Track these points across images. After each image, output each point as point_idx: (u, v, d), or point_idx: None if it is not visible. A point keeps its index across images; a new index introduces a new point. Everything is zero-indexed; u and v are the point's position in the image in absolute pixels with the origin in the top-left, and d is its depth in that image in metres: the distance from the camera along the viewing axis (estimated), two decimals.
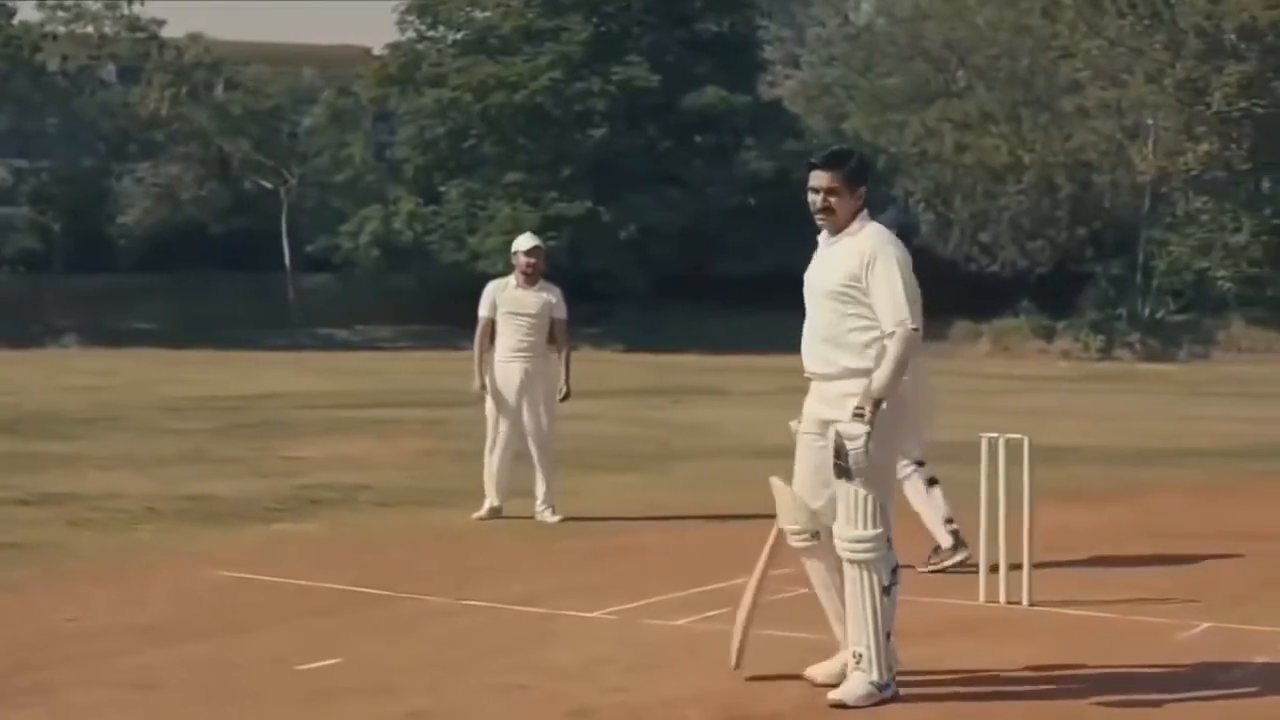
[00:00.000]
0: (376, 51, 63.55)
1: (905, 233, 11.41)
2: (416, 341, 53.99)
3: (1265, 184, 51.62)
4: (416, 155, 58.73)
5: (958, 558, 10.05)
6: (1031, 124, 55.47)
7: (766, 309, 34.60)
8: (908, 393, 11.21)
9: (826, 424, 6.76)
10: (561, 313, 12.86)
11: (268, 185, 61.15)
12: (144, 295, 57.59)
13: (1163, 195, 54.51)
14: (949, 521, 10.31)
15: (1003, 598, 8.88)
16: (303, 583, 9.48)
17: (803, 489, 6.96)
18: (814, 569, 7.04)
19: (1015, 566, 8.85)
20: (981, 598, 8.92)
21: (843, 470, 6.64)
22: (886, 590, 6.73)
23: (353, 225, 59.11)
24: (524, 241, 13.12)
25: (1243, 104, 48.91)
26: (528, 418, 12.66)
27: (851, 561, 6.74)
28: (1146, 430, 21.81)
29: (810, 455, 6.94)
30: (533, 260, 12.84)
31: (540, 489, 12.54)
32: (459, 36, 58.98)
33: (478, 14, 58.59)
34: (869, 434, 6.57)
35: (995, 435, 9.00)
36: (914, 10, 62.56)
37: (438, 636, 8.03)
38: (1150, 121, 52.52)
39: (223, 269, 58.77)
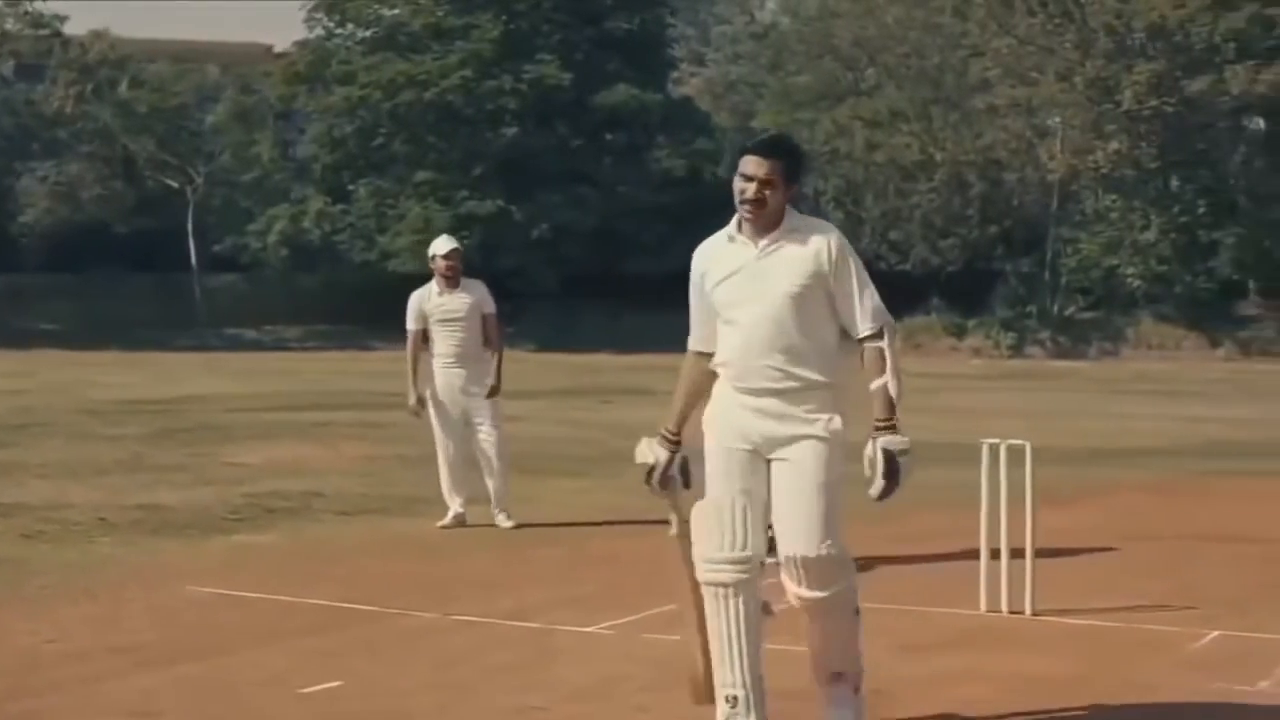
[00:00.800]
0: (279, 49, 62.99)
1: None
2: (324, 342, 53.53)
3: (1174, 182, 51.97)
4: (325, 154, 58.15)
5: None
6: (942, 122, 55.64)
7: (677, 308, 34.03)
8: None
9: (784, 441, 5.92)
10: (490, 307, 12.74)
11: (173, 184, 60.34)
12: (48, 295, 56.76)
13: (1072, 193, 54.82)
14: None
15: (1005, 606, 8.73)
16: (282, 598, 9.19)
17: (735, 518, 5.96)
18: (741, 608, 5.96)
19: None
20: (983, 606, 8.76)
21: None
22: (858, 610, 6.12)
23: (260, 225, 58.49)
24: (441, 244, 12.89)
25: (1152, 103, 49.22)
26: (475, 422, 12.45)
27: (826, 591, 5.97)
28: (1085, 429, 21.79)
29: (744, 477, 6.00)
30: (451, 263, 12.66)
31: (493, 493, 12.36)
32: (368, 34, 58.46)
33: (386, 11, 58.10)
34: (909, 443, 5.89)
35: (996, 441, 8.85)
36: (822, 8, 62.66)
37: (436, 655, 7.77)
38: (1060, 120, 52.77)
39: (128, 269, 57.95)
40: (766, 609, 6.06)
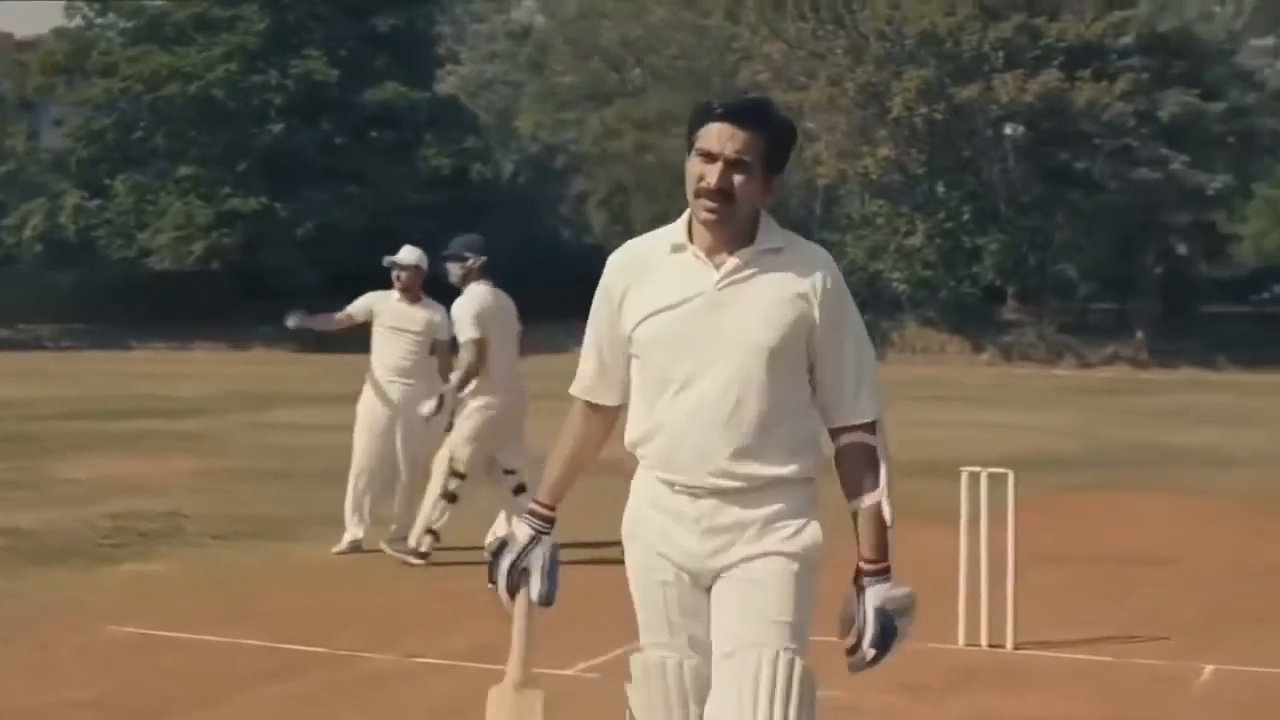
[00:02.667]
0: (20, 36, 61.00)
1: (489, 270, 11.30)
2: (79, 341, 51.80)
3: (940, 188, 52.70)
4: (81, 147, 56.30)
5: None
6: None
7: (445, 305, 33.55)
8: (514, 403, 11.16)
9: (734, 562, 4.18)
10: (444, 334, 11.95)
11: None
12: None
13: (838, 198, 55.33)
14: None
15: (984, 640, 8.50)
16: (212, 639, 8.60)
17: (687, 691, 4.29)
18: None
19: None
20: (961, 640, 8.52)
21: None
22: None
23: (14, 219, 56.44)
24: (403, 255, 12.20)
25: (921, 110, 49.84)
26: (401, 444, 11.84)
27: None
28: (900, 439, 21.75)
29: (687, 622, 4.29)
30: (408, 274, 12.03)
31: (399, 518, 11.74)
32: (130, 25, 56.74)
33: (149, 2, 56.47)
34: (911, 597, 4.20)
35: (977, 469, 8.63)
36: (584, 8, 62.46)
37: (422, 704, 7.31)
38: (830, 125, 53.15)
39: None
40: None
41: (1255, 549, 12.39)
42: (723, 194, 4.11)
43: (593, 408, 4.49)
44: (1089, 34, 47.73)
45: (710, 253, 4.18)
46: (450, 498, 11.06)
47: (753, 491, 4.16)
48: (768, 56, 52.92)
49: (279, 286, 51.70)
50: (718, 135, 4.13)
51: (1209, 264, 56.54)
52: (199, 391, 29.60)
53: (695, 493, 4.19)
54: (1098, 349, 48.70)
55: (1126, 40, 48.15)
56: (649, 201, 56.71)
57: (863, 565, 4.17)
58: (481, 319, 11.06)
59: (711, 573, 4.21)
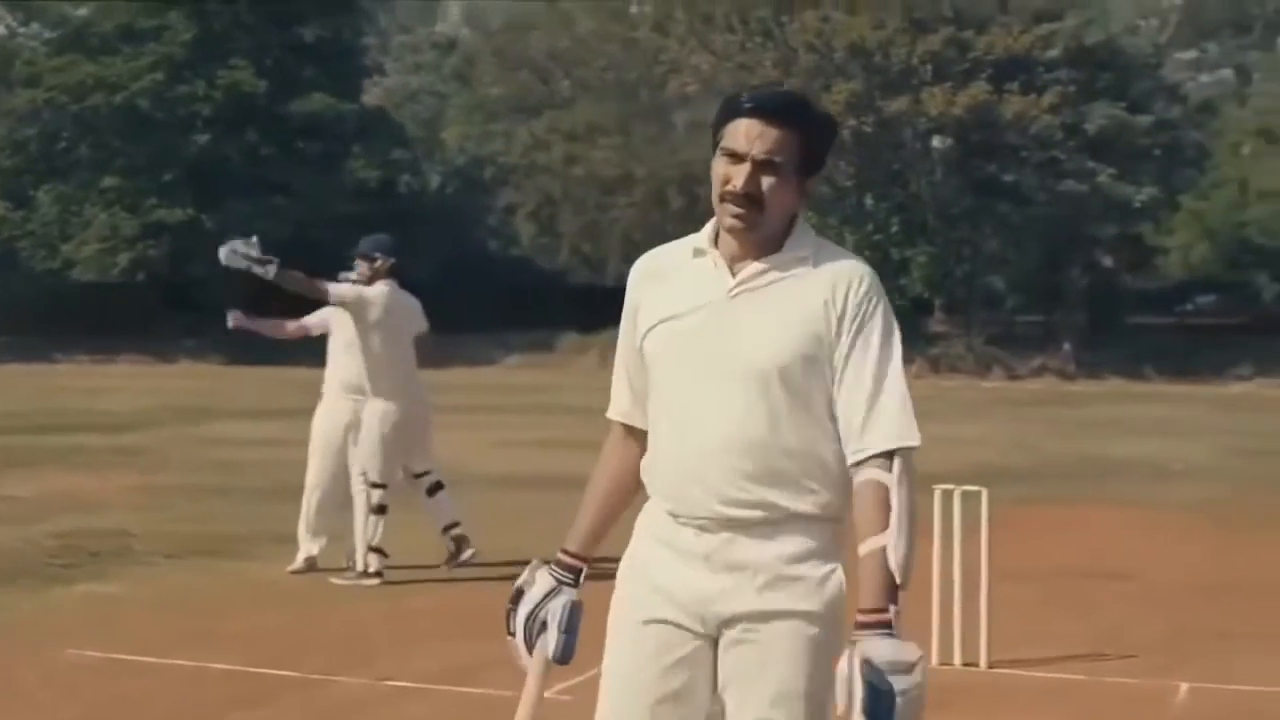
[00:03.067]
0: None
1: (395, 272, 11.23)
2: (1, 353, 51.13)
3: (868, 201, 52.84)
4: (4, 158, 55.59)
5: (463, 556, 11.28)
6: (642, 137, 55.74)
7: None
8: (414, 407, 11.12)
9: (746, 617, 3.73)
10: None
11: None
12: None
13: None
14: (453, 526, 11.36)
15: (958, 659, 8.47)
16: (179, 663, 8.46)
17: None
18: None
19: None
20: (935, 660, 8.47)
21: None
22: None
23: None
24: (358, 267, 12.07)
25: (850, 122, 49.91)
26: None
27: None
28: None
29: (665, 677, 3.82)
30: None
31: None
32: (55, 34, 56.12)
33: (74, 10, 55.88)
34: (917, 658, 3.51)
35: (950, 487, 8.60)
36: (511, 20, 62.33)
37: None
38: None
39: None
40: None
41: (1210, 563, 12.44)
42: (750, 199, 3.70)
43: (629, 431, 4.01)
44: (1017, 47, 47.94)
45: (733, 260, 3.79)
46: (379, 510, 11.00)
47: (768, 526, 3.69)
48: (696, 69, 52.83)
49: (204, 299, 51.22)
50: (745, 133, 3.71)
51: (1134, 276, 56.96)
52: (130, 405, 29.29)
53: (704, 526, 3.73)
54: (1025, 361, 48.90)
55: (1054, 53, 48.38)
56: (577, 213, 56.74)
57: (860, 615, 3.54)
58: (360, 305, 11.01)
59: (718, 618, 3.74)
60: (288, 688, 7.95)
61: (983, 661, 8.42)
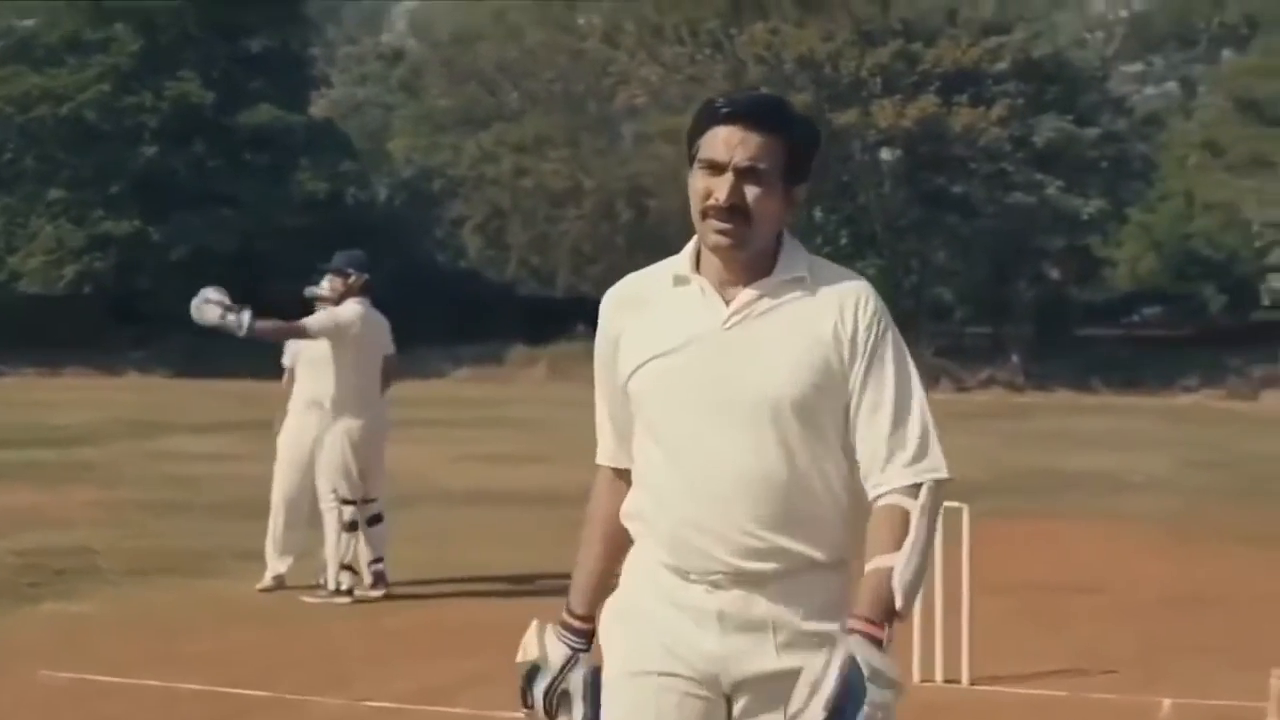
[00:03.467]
0: None
1: (368, 289, 11.15)
2: None
3: (817, 213, 52.87)
4: None
5: (375, 594, 10.93)
6: (591, 149, 55.69)
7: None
8: (376, 427, 11.06)
9: (760, 680, 3.42)
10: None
11: None
12: None
13: None
14: (377, 561, 11.04)
15: (939, 676, 8.45)
16: (152, 683, 8.37)
17: None
18: None
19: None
20: (917, 677, 8.45)
21: None
22: None
23: None
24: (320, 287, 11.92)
25: None
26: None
27: None
28: None
29: None
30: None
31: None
32: None
33: (20, 21, 55.45)
34: (897, 677, 3.27)
35: None
36: (460, 32, 62.19)
37: None
38: None
39: None
40: None
41: (1178, 577, 12.47)
42: (736, 212, 3.39)
43: (618, 474, 3.67)
44: (965, 60, 48.15)
45: (721, 285, 3.47)
46: (351, 527, 10.92)
47: (787, 578, 3.39)
48: (645, 80, 52.87)
49: (151, 311, 50.96)
50: (725, 140, 3.42)
51: (1082, 288, 57.20)
52: (80, 419, 29.04)
53: (716, 581, 3.40)
54: (974, 372, 49.04)
55: (1002, 66, 48.58)
56: (526, 226, 56.58)
57: (850, 620, 3.29)
58: (339, 330, 10.93)
59: (731, 680, 3.43)
60: (264, 709, 7.88)
61: (965, 678, 8.41)
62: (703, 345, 3.44)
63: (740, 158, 3.41)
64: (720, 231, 3.42)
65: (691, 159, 3.50)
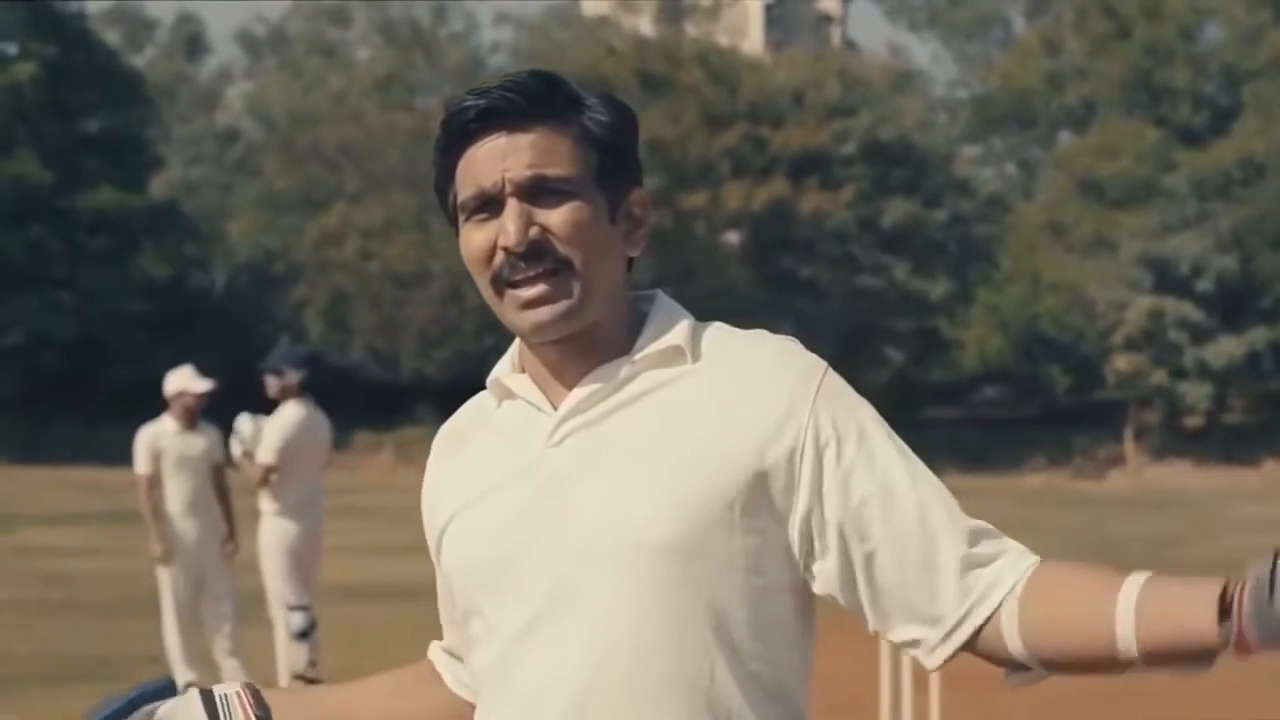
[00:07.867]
0: None
1: (307, 386, 10.86)
2: None
3: None
4: None
5: None
6: (440, 232, 55.29)
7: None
8: (314, 530, 10.78)
9: None
10: (221, 454, 11.40)
11: None
12: None
13: None
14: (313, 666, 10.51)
15: None
16: None
17: None
18: None
19: None
20: None
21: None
22: None
23: None
24: (193, 380, 11.40)
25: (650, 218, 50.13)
26: (210, 578, 11.14)
27: None
28: None
29: None
30: (202, 401, 11.32)
31: (232, 662, 11.03)
32: None
33: None
34: None
35: None
36: (297, 114, 61.71)
37: None
38: None
39: None
40: None
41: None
42: (541, 252, 2.17)
43: (434, 673, 2.53)
44: (813, 143, 48.56)
45: (549, 383, 2.27)
46: (302, 635, 10.47)
47: None
48: None
49: None
50: (487, 157, 2.19)
51: (930, 369, 57.67)
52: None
53: None
54: None
55: (849, 149, 49.10)
56: (373, 309, 55.97)
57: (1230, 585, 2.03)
58: (286, 448, 10.55)
59: None
60: None
61: None
62: (526, 482, 2.22)
63: (516, 169, 2.17)
64: (531, 298, 2.18)
65: (452, 216, 2.29)
